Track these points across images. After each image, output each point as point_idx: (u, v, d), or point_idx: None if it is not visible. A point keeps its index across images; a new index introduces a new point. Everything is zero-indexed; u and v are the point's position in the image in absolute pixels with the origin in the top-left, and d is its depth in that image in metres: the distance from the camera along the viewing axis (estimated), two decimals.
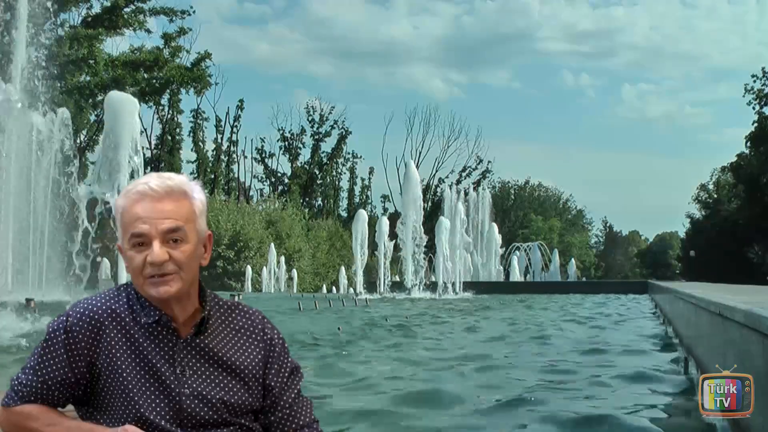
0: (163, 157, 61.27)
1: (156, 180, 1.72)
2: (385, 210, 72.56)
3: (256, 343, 1.80)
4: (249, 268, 43.88)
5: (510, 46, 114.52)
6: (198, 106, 65.95)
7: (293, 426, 1.80)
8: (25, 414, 1.70)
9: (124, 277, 14.49)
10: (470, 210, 49.68)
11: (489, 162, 75.81)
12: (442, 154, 74.47)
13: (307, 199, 70.96)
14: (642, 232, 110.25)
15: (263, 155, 71.70)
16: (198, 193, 1.76)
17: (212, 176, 65.58)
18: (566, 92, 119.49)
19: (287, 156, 72.62)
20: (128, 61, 48.69)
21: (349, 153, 74.61)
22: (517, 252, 60.79)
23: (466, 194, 53.00)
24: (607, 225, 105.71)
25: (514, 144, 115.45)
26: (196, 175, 60.96)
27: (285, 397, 1.80)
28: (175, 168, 57.92)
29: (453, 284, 33.12)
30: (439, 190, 69.18)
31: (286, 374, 1.82)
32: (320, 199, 74.00)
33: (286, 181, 71.47)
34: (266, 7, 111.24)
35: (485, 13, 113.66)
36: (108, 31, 48.34)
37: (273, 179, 72.21)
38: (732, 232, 52.55)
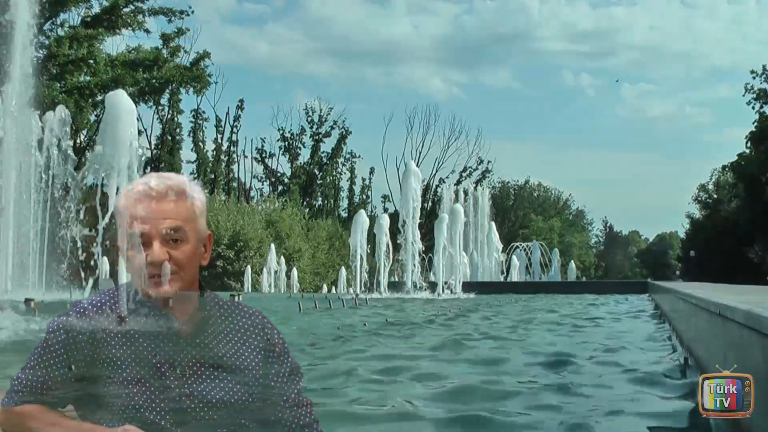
0: (163, 157, 61.31)
1: (156, 180, 1.72)
2: (386, 210, 72.57)
3: (256, 343, 1.80)
4: (249, 268, 43.90)
5: (510, 46, 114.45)
6: (198, 106, 66.04)
7: (293, 426, 1.80)
8: (25, 414, 1.70)
9: (124, 277, 14.48)
10: (470, 210, 49.60)
11: (489, 162, 75.92)
12: (442, 154, 74.45)
13: (307, 199, 70.97)
14: (642, 232, 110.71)
15: (263, 155, 71.80)
16: (198, 193, 1.77)
17: (212, 176, 65.59)
18: (566, 92, 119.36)
19: (287, 156, 72.69)
20: (128, 61, 48.75)
21: (349, 153, 74.75)
22: (517, 252, 60.77)
23: (465, 194, 52.93)
24: (607, 225, 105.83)
25: (515, 144, 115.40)
26: (196, 175, 60.88)
27: (285, 398, 1.80)
28: (175, 168, 57.97)
29: (451, 283, 32.96)
30: (439, 190, 69.17)
31: (286, 374, 1.82)
32: (320, 199, 74.03)
33: (286, 181, 71.52)
34: (265, 7, 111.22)
35: (485, 12, 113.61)
36: (107, 31, 48.41)
37: (273, 179, 72.27)
38: (732, 232, 52.53)
